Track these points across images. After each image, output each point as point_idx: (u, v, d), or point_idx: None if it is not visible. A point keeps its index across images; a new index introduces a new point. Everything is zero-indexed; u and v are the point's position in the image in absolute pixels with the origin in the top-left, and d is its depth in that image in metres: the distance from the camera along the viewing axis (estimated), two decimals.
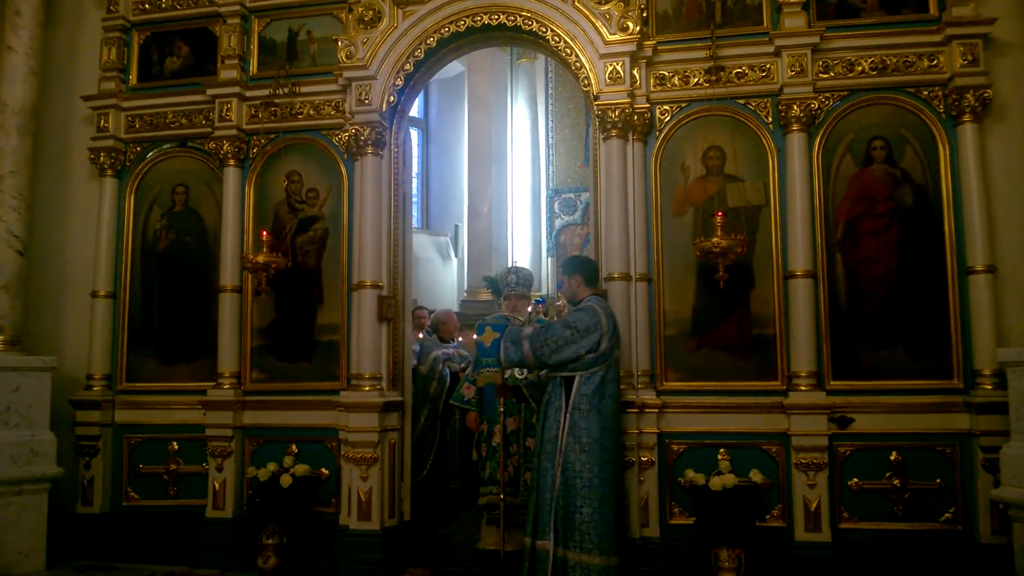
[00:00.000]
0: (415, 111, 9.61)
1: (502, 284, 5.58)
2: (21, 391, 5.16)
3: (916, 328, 4.77)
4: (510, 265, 7.68)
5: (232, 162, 5.62)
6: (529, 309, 5.57)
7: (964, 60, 4.74)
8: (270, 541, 4.98)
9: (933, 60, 4.86)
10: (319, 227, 5.56)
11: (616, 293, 4.90)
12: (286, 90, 5.54)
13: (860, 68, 4.91)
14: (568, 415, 4.20)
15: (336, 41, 5.48)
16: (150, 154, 5.95)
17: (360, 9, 5.44)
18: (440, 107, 12.15)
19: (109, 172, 5.87)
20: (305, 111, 5.61)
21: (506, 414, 4.93)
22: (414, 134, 11.16)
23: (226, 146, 5.61)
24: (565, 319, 4.40)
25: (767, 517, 4.76)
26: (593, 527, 4.06)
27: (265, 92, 5.57)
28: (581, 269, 4.59)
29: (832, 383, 4.79)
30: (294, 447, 5.33)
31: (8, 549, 4.98)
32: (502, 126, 11.61)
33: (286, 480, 5.09)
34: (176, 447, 5.63)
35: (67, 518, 5.57)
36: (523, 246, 11.71)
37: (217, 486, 5.40)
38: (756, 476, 4.71)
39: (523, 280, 5.53)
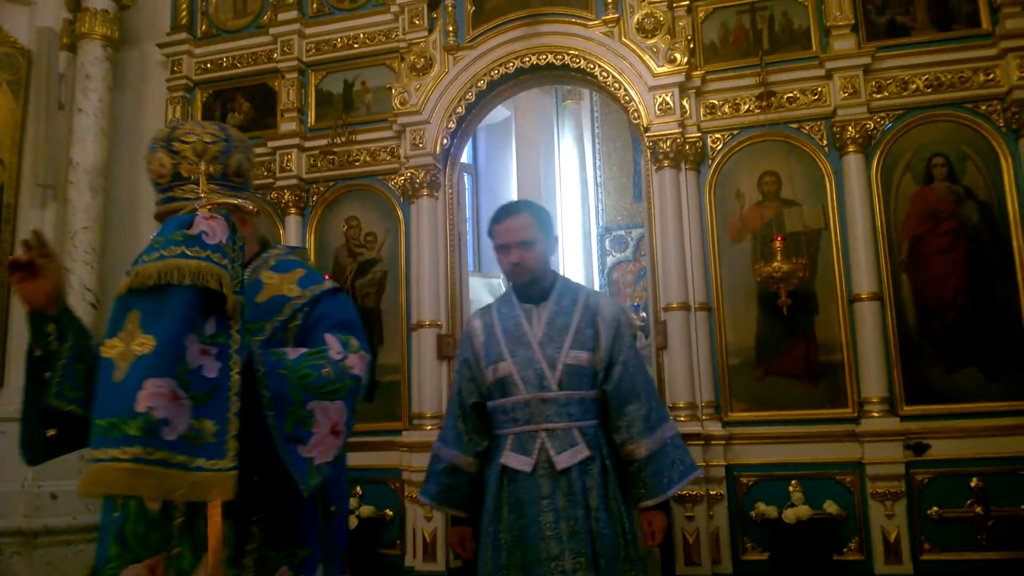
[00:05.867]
0: (464, 157, 9.77)
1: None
2: None
3: (990, 348, 4.60)
4: None
5: (293, 211, 5.77)
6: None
7: (1021, 72, 4.64)
8: None
9: (989, 74, 4.77)
10: (378, 270, 5.65)
11: (675, 323, 4.86)
12: (343, 139, 5.69)
13: (914, 86, 4.86)
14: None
15: (389, 89, 5.63)
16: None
17: (412, 57, 5.60)
18: (488, 152, 12.32)
19: None
20: (362, 158, 5.75)
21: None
22: (464, 179, 11.31)
23: (287, 195, 5.76)
24: (632, 331, 3.05)
25: (844, 550, 4.57)
26: None
27: (323, 142, 5.73)
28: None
29: (905, 408, 4.63)
30: (359, 489, 5.34)
31: None
32: (550, 167, 11.71)
33: (352, 522, 5.11)
34: None
35: None
36: None
37: None
38: (831, 507, 4.54)
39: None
